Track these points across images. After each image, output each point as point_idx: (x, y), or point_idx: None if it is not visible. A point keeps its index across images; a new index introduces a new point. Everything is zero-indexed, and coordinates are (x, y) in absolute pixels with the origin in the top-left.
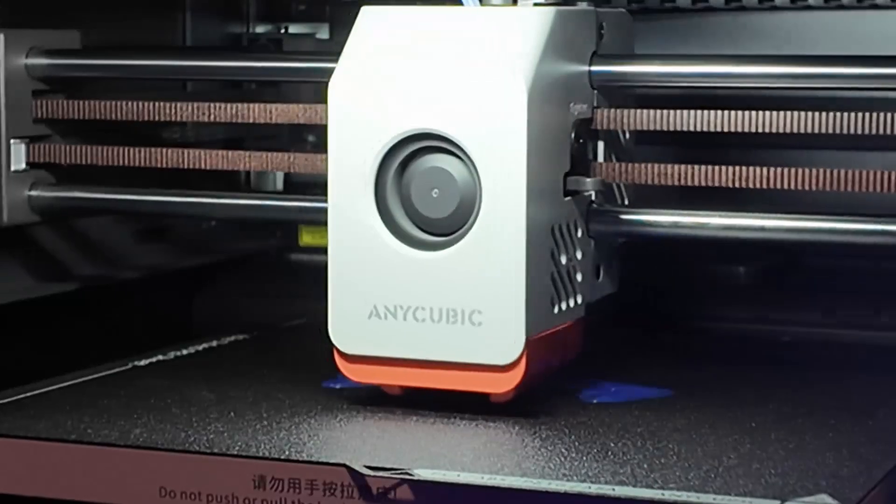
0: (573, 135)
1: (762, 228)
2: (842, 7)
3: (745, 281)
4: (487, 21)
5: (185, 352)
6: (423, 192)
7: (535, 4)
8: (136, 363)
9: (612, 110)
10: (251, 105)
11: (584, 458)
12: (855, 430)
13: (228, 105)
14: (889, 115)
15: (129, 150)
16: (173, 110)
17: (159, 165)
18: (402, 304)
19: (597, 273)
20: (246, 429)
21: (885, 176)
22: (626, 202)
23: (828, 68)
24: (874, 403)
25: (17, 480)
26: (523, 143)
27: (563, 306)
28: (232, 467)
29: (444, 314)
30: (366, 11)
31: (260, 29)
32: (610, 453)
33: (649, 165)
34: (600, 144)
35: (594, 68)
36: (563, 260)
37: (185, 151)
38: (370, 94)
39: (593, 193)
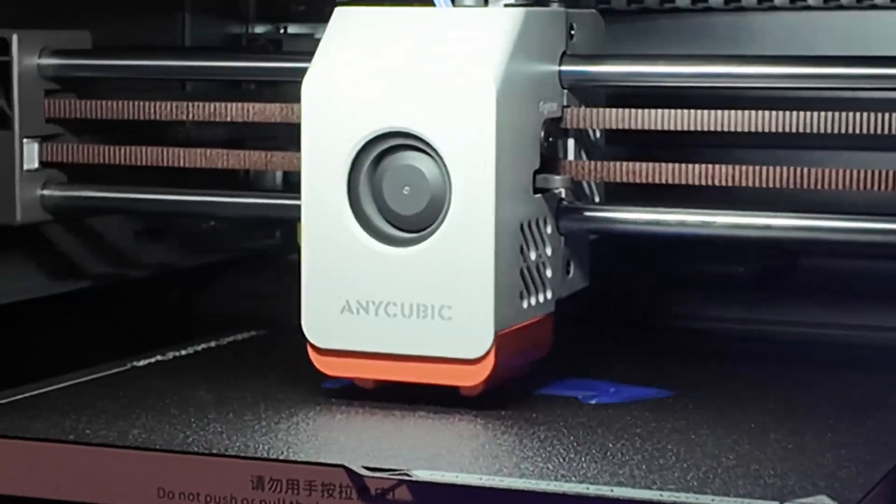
0: (543, 133)
1: (736, 226)
2: (841, 7)
3: (743, 281)
4: (459, 21)
5: (184, 352)
6: (395, 189)
7: (506, 5)
8: (135, 363)
9: (582, 109)
10: (229, 104)
11: (583, 458)
12: (854, 430)
13: (206, 104)
14: (853, 113)
15: (112, 149)
16: (152, 110)
17: (139, 163)
18: (374, 300)
19: (567, 269)
20: (244, 429)
21: (848, 174)
22: (598, 199)
23: (799, 68)
24: (873, 404)
25: (16, 481)
26: (492, 142)
27: (533, 301)
28: (230, 468)
29: (414, 309)
30: (339, 12)
31: (259, 29)
32: (609, 454)
33: (618, 163)
34: (570, 142)
35: (564, 68)
36: (533, 256)
37: (164, 150)
38: (343, 93)
39: (563, 191)
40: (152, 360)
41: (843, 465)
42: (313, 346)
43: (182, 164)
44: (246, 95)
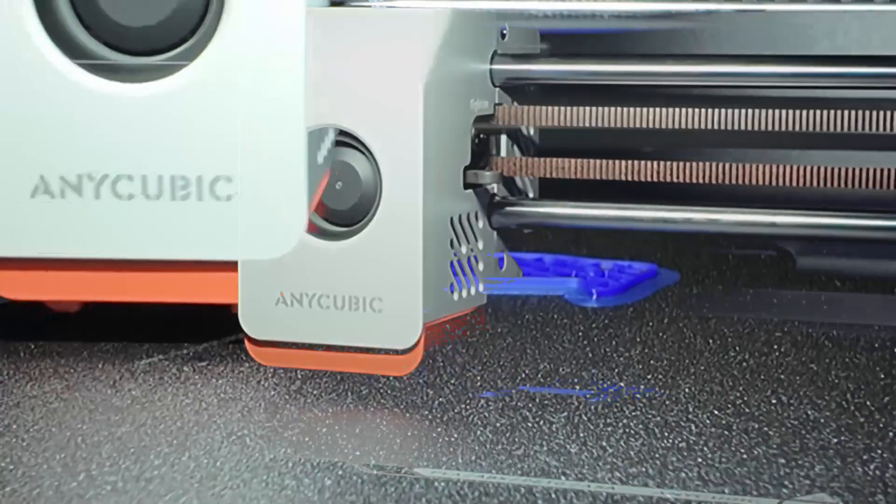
0: (474, 130)
1: (662, 220)
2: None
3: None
4: (390, 21)
5: (185, 352)
6: (328, 184)
7: None
8: (136, 363)
9: (513, 107)
10: None
11: (584, 455)
12: (854, 429)
13: None
14: (760, 111)
15: None
16: None
17: None
18: (308, 292)
19: (500, 262)
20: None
21: (763, 169)
22: (532, 195)
23: (720, 67)
24: (873, 403)
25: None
26: (419, 139)
27: (464, 294)
28: None
29: (346, 301)
30: None
31: None
32: (608, 450)
33: (546, 160)
34: (502, 139)
35: (495, 67)
36: (464, 249)
37: None
38: None
39: (494, 186)
40: (154, 359)
41: (844, 464)
42: (249, 338)
43: None
44: None
